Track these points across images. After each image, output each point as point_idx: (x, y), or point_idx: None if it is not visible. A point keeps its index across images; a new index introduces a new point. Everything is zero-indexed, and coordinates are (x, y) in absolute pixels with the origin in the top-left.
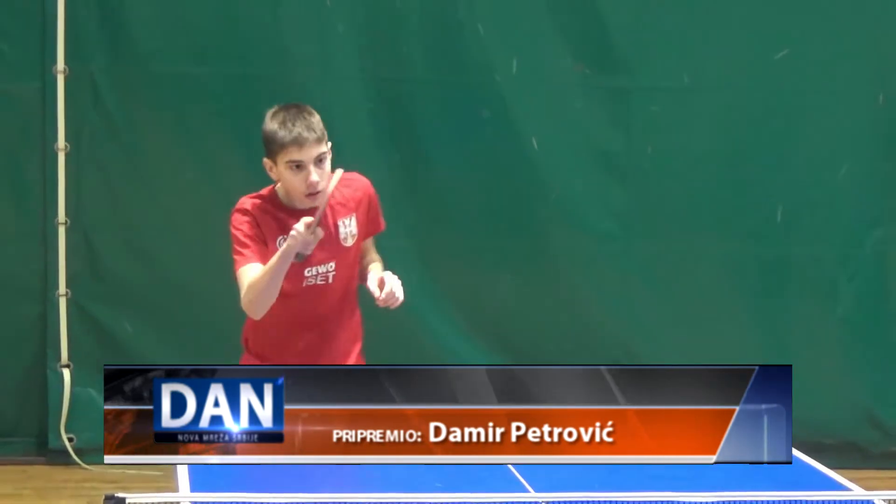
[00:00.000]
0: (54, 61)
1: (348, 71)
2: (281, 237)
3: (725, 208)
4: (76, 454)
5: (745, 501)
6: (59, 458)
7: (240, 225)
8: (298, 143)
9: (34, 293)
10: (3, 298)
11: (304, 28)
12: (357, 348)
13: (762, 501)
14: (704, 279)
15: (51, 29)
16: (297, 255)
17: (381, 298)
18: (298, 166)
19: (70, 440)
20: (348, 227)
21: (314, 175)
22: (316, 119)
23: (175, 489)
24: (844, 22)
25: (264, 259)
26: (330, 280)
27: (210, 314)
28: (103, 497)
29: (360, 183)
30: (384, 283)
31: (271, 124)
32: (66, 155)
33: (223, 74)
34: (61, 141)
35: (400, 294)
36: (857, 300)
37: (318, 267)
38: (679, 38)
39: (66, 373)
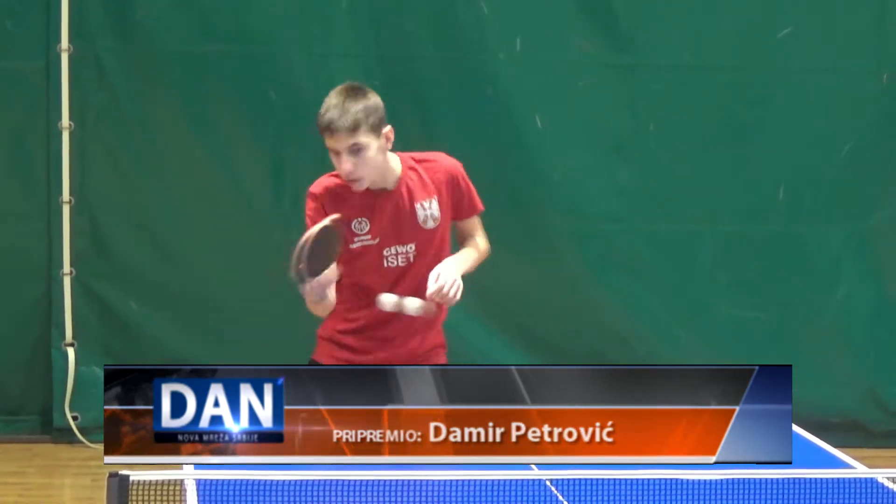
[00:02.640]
0: (58, 39)
1: (352, 48)
2: (357, 219)
3: (728, 186)
4: (80, 433)
5: (750, 479)
6: (63, 436)
7: (309, 211)
8: (330, 130)
9: (39, 272)
10: (8, 277)
11: (308, 5)
12: (442, 348)
13: (767, 479)
14: (706, 257)
15: (55, 7)
16: (320, 297)
17: (429, 294)
18: (335, 152)
19: (74, 419)
20: (428, 210)
21: (346, 164)
22: (358, 107)
23: (179, 467)
24: (848, 0)
25: None
26: (412, 260)
27: (215, 292)
28: (107, 475)
29: (443, 164)
30: (438, 277)
31: (323, 104)
32: (71, 133)
33: (228, 52)
34: (66, 119)
35: (453, 293)
36: (859, 279)
37: (399, 247)
38: (682, 15)
39: (71, 351)
